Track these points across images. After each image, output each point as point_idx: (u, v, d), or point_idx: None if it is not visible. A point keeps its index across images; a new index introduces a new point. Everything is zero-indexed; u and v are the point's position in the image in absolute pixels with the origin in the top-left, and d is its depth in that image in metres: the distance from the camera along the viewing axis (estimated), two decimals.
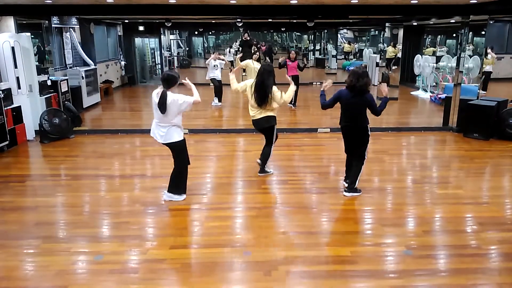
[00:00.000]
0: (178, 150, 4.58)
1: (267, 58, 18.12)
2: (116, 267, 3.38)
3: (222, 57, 10.67)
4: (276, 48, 19.97)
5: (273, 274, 3.29)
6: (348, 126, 4.69)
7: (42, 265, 3.45)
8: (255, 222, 4.22)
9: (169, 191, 4.76)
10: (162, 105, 4.22)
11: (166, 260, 3.50)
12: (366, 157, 4.85)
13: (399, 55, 12.46)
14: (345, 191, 4.89)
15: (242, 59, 13.94)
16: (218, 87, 10.40)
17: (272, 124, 5.27)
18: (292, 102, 9.89)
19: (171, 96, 4.26)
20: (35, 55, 8.99)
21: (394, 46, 12.62)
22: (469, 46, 7.86)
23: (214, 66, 10.25)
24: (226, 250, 3.68)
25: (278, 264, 3.42)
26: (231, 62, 16.93)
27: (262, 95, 5.04)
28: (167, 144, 4.54)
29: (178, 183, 4.73)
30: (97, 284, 3.17)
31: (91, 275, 3.31)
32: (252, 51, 11.59)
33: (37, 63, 8.91)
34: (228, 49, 17.48)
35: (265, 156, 5.46)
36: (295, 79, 9.46)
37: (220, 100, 10.47)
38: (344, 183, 5.07)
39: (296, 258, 3.53)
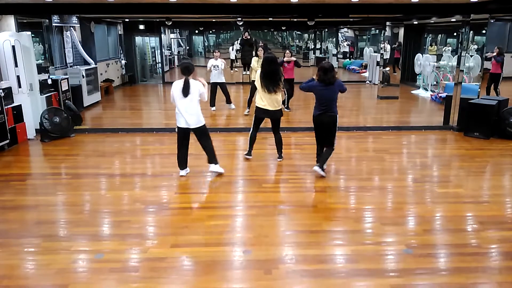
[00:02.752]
0: (205, 129, 5.23)
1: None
2: (117, 266, 3.39)
3: (215, 62, 9.63)
4: (267, 45, 19.96)
5: (273, 272, 3.29)
6: (322, 114, 5.19)
7: (43, 263, 3.45)
8: (256, 221, 4.22)
9: (214, 163, 5.31)
10: (187, 90, 4.93)
11: (166, 258, 3.50)
12: (335, 144, 5.39)
13: (388, 54, 12.10)
14: (316, 166, 5.34)
15: (242, 59, 13.86)
16: (224, 89, 9.71)
17: (281, 115, 5.89)
18: (286, 106, 9.50)
19: (193, 82, 4.99)
20: (42, 54, 9.01)
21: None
22: (473, 45, 7.86)
23: (214, 66, 9.58)
24: (227, 248, 3.69)
25: (279, 263, 3.42)
26: (232, 61, 16.95)
27: (273, 81, 5.57)
28: (197, 128, 5.11)
29: (214, 153, 5.33)
30: (98, 283, 3.17)
31: (91, 273, 3.31)
32: (254, 50, 11.43)
33: (43, 61, 8.93)
34: (230, 47, 17.45)
35: (280, 143, 5.99)
36: (290, 82, 9.32)
37: (230, 102, 9.91)
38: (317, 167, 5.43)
39: (296, 256, 3.53)
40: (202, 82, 5.17)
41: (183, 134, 5.21)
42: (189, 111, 5.03)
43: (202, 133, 5.23)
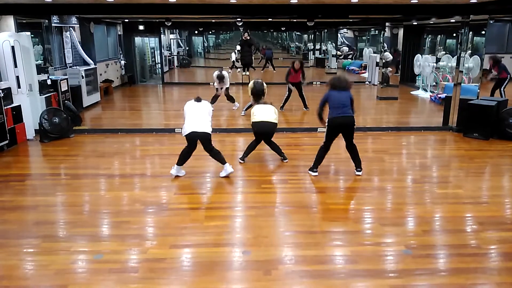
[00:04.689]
0: (209, 139, 5.31)
1: (268, 62, 18.19)
2: (116, 266, 3.38)
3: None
4: (272, 49, 19.98)
5: (273, 273, 3.29)
6: (340, 116, 5.21)
7: (42, 264, 3.45)
8: (255, 222, 4.22)
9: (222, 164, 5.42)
10: (199, 99, 5.38)
11: (166, 259, 3.50)
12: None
13: (389, 58, 12.08)
14: (358, 171, 5.51)
15: (242, 59, 13.85)
16: (227, 95, 9.72)
17: (275, 128, 6.01)
18: (281, 106, 9.60)
19: (205, 102, 5.47)
20: (42, 54, 9.00)
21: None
22: (469, 49, 7.87)
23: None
24: (226, 249, 3.69)
25: (278, 264, 3.42)
26: (233, 62, 16.99)
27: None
28: (202, 134, 5.18)
29: (221, 156, 5.40)
30: (97, 283, 3.17)
31: (90, 274, 3.31)
32: (253, 51, 11.34)
33: (41, 62, 8.92)
34: (232, 53, 17.47)
35: (277, 148, 6.06)
36: (297, 85, 9.50)
37: (233, 102, 9.90)
38: (356, 171, 5.54)
39: (296, 257, 3.53)
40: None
41: (192, 140, 5.27)
42: (198, 118, 5.20)
43: (206, 140, 5.30)
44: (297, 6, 8.00)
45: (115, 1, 7.52)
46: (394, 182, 5.40)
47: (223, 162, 5.39)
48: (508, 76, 9.88)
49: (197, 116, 5.25)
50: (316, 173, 5.51)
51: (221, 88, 9.50)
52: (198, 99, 5.40)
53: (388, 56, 11.84)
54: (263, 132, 5.94)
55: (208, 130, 5.26)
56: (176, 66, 19.82)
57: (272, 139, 6.06)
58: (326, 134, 5.39)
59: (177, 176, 5.41)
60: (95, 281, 3.19)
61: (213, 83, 9.53)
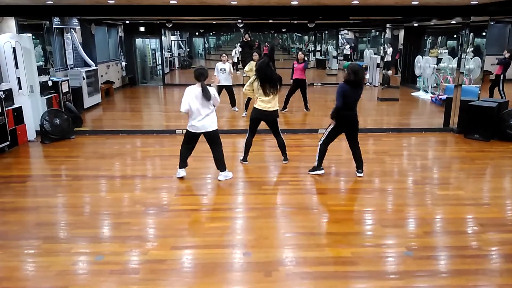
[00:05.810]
0: (217, 135, 5.26)
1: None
2: (117, 268, 3.38)
3: (222, 65, 9.56)
4: (276, 46, 19.97)
5: (273, 275, 3.29)
6: (349, 115, 5.24)
7: (43, 265, 3.45)
8: (256, 223, 4.22)
9: (222, 170, 5.34)
10: (207, 95, 5.00)
11: (166, 260, 3.50)
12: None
13: (389, 57, 12.12)
14: (359, 172, 5.47)
15: (243, 61, 13.88)
16: (230, 92, 9.69)
17: (277, 116, 5.86)
18: (283, 107, 9.59)
19: (208, 87, 5.09)
20: (41, 56, 9.01)
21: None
22: (470, 48, 7.88)
23: (221, 69, 9.48)
24: (227, 250, 3.68)
25: (279, 265, 3.42)
26: (234, 63, 17.02)
27: (273, 84, 5.60)
28: (210, 132, 5.17)
29: (223, 160, 5.34)
30: (98, 285, 3.17)
31: (91, 275, 3.31)
32: (252, 52, 11.39)
33: (42, 63, 8.94)
34: (233, 51, 17.47)
35: (283, 146, 6.01)
36: (302, 82, 9.50)
37: (234, 105, 9.87)
38: (357, 173, 5.51)
39: (296, 259, 3.53)
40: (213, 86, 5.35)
41: (192, 137, 5.22)
42: (204, 114, 5.09)
43: (213, 138, 5.24)
44: (297, 8, 8.00)
45: (116, 3, 7.53)
46: (395, 184, 5.40)
47: (223, 168, 5.35)
48: (502, 75, 9.99)
49: (202, 113, 5.09)
50: (322, 171, 5.52)
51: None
52: (207, 97, 5.04)
53: (391, 51, 11.91)
54: (262, 118, 5.84)
55: (215, 126, 5.20)
56: (177, 67, 19.85)
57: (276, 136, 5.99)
58: (331, 130, 5.35)
59: (179, 177, 5.40)
60: (96, 283, 3.19)
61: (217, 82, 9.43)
